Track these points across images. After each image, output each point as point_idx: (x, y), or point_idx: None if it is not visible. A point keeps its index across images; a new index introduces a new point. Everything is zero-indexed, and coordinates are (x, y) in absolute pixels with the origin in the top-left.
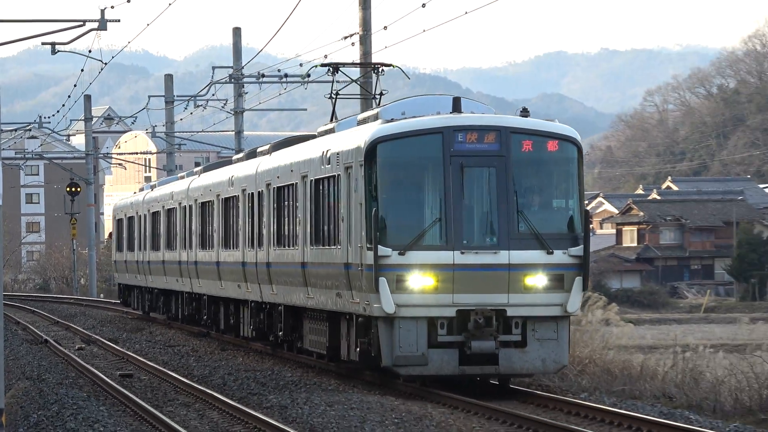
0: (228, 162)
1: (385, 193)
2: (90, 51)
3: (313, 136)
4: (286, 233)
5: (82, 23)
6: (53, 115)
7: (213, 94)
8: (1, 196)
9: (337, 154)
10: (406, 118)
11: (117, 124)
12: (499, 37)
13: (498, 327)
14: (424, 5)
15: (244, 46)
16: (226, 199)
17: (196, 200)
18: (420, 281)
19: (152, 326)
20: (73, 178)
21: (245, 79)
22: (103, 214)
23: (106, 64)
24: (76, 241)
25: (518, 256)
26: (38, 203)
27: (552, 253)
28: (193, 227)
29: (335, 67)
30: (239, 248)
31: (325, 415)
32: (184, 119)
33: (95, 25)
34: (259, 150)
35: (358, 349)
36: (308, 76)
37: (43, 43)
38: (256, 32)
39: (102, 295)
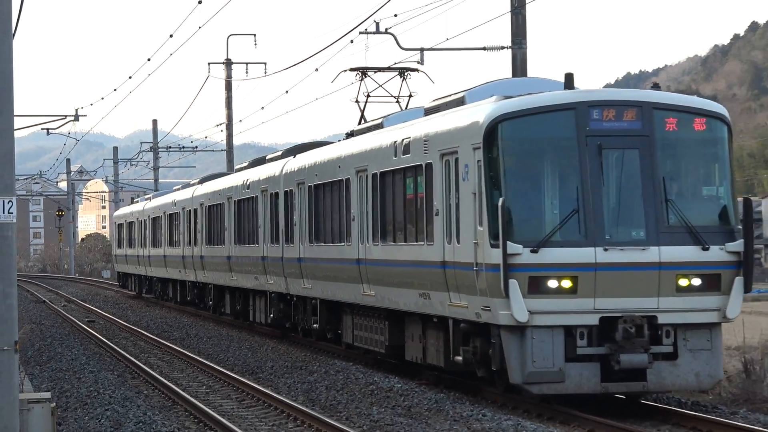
0: (221, 174)
1: (511, 180)
2: (69, 133)
3: (320, 144)
4: (328, 229)
5: (64, 117)
6: (48, 170)
7: (141, 158)
8: (15, 216)
9: (424, 141)
10: (521, 96)
11: (85, 175)
12: (320, 119)
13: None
14: (262, 107)
15: (159, 129)
16: (239, 201)
17: (201, 204)
18: (556, 283)
19: (105, 292)
20: (60, 207)
21: (159, 149)
22: (78, 227)
23: (78, 140)
24: (62, 243)
25: (670, 252)
26: (39, 221)
27: (708, 249)
28: (199, 227)
29: (363, 71)
30: (259, 244)
31: (207, 343)
32: (124, 173)
33: (72, 117)
34: (268, 157)
35: (459, 357)
36: (196, 147)
37: (41, 128)
38: (167, 119)
39: (77, 275)
